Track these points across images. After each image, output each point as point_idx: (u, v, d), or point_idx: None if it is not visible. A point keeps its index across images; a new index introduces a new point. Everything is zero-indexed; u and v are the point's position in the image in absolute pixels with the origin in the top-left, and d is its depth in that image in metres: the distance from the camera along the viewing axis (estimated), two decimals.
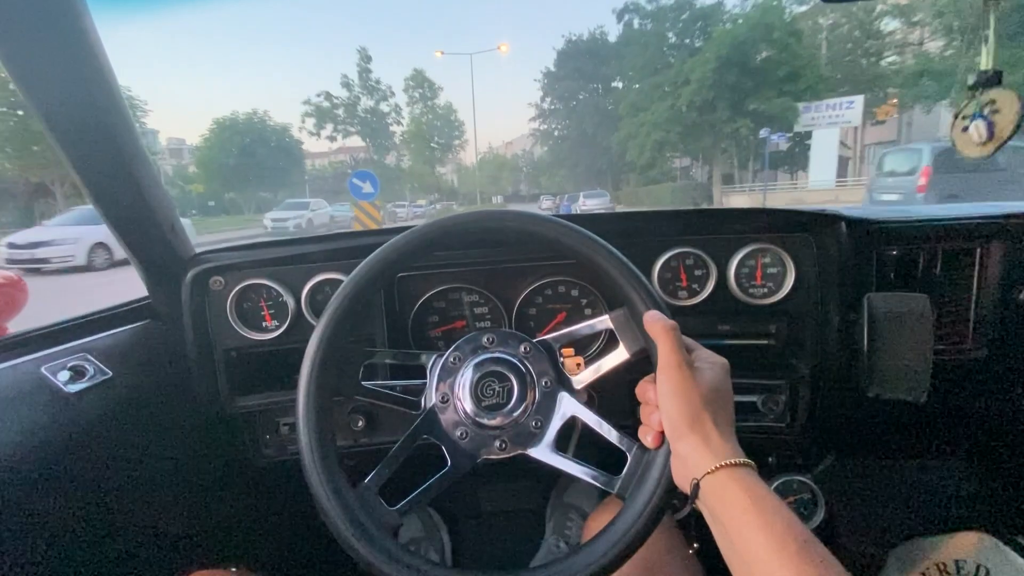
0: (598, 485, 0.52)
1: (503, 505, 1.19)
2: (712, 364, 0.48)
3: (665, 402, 0.45)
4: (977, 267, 0.81)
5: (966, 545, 0.86)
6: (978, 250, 0.80)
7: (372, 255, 0.55)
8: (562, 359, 0.57)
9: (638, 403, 0.51)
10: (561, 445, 0.55)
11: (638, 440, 0.51)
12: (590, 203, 19.02)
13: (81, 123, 0.64)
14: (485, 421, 0.54)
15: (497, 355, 0.57)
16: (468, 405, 0.55)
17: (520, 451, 0.54)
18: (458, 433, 0.55)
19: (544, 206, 25.66)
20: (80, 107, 0.63)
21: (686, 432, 0.44)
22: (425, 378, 0.58)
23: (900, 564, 0.88)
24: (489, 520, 1.19)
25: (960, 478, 0.91)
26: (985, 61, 0.65)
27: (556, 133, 32.83)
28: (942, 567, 0.87)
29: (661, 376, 0.46)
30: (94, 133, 0.65)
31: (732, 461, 0.42)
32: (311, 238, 0.82)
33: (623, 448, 0.52)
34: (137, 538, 0.69)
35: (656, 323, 0.48)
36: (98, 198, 0.69)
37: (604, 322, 0.55)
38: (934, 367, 0.70)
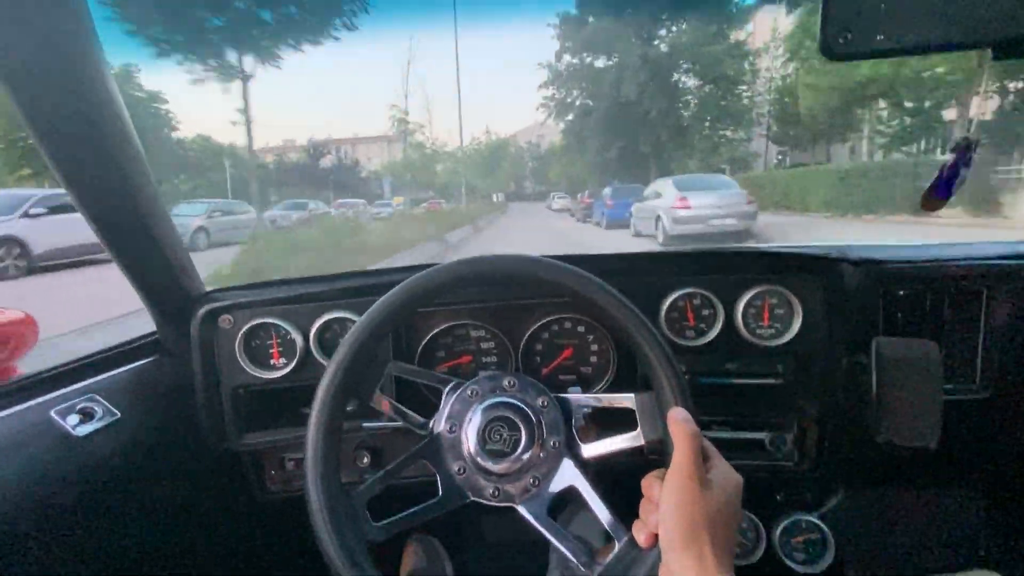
0: (577, 564, 0.51)
1: (507, 535, 1.18)
2: (725, 482, 0.45)
3: (667, 509, 0.43)
4: (984, 308, 0.81)
5: None
6: (984, 292, 0.80)
7: (389, 295, 0.56)
8: (577, 424, 0.57)
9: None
10: (553, 508, 0.54)
11: (630, 532, 0.49)
12: (703, 201, 8.14)
13: (94, 164, 0.64)
14: (484, 464, 0.54)
15: (514, 402, 0.56)
16: (472, 444, 0.55)
17: (510, 504, 0.54)
18: (456, 468, 0.55)
19: (557, 206, 20.99)
20: (94, 148, 0.63)
21: (680, 547, 0.42)
22: (429, 419, 0.58)
23: None
24: (493, 550, 1.18)
25: (969, 516, 0.90)
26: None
27: (578, 102, 21.74)
28: None
29: (669, 481, 0.44)
30: (107, 175, 0.65)
31: None
32: (320, 277, 0.82)
33: (612, 534, 0.51)
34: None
35: (680, 425, 0.47)
36: (108, 237, 0.69)
37: (628, 400, 0.55)
38: (944, 407, 0.69)
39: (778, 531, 0.89)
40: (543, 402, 0.56)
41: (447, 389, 0.59)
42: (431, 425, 0.58)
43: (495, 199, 33.46)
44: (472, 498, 0.55)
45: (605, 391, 0.82)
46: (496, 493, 0.54)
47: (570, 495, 0.56)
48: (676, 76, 19.13)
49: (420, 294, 0.56)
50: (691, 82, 19.49)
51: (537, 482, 0.54)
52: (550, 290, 0.56)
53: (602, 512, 0.52)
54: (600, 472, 0.55)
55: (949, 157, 0.68)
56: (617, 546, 0.50)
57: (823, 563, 0.88)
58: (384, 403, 0.59)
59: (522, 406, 0.56)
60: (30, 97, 0.57)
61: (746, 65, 19.01)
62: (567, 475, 0.54)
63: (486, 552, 1.19)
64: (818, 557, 0.88)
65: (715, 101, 18.85)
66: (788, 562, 0.88)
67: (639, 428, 0.53)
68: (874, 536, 0.90)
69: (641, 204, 9.36)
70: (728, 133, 19.48)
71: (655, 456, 0.52)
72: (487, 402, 0.56)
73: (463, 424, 0.56)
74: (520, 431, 0.54)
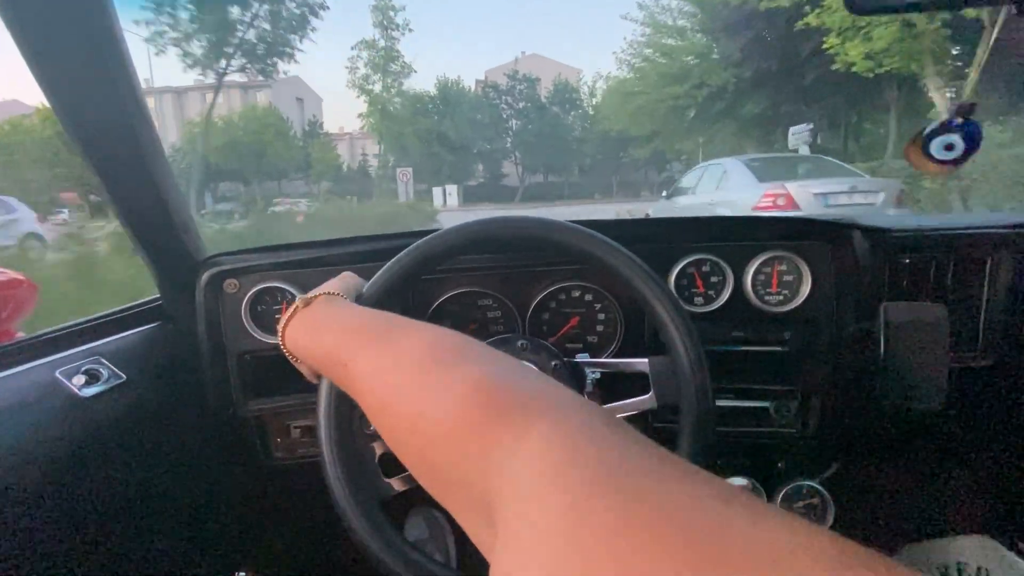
0: (643, 409, 0.54)
1: None
2: None
3: None
4: (987, 276, 0.82)
5: (968, 548, 0.88)
6: (988, 259, 0.81)
7: (400, 256, 0.55)
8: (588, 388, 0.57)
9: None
10: None
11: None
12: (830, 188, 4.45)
13: (103, 124, 0.64)
14: None
15: (526, 364, 0.56)
16: None
17: None
18: None
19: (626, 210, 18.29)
20: (102, 108, 0.63)
21: None
22: None
23: None
24: None
25: (968, 482, 0.93)
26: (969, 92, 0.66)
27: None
28: (943, 570, 0.89)
29: None
30: (115, 133, 0.65)
31: None
32: (327, 241, 0.81)
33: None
34: (147, 540, 0.69)
35: None
36: (116, 197, 0.69)
37: (642, 365, 0.55)
38: (948, 373, 0.71)
39: (779, 497, 0.90)
40: (555, 364, 0.57)
41: None
42: None
43: (442, 199, 26.40)
44: None
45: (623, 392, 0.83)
46: None
47: None
48: None
49: (430, 257, 0.56)
50: None
51: None
52: (564, 254, 0.55)
53: None
54: None
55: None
56: (650, 365, 0.54)
57: (823, 526, 0.90)
58: None
59: (535, 368, 0.56)
60: (46, 60, 0.58)
61: None
62: None
63: None
64: (819, 521, 0.90)
65: None
66: None
67: (652, 391, 0.54)
68: (871, 501, 0.92)
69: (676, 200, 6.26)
70: None
71: (661, 424, 0.53)
72: None
73: None
74: None
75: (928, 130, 0.73)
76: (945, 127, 0.73)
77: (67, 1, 0.57)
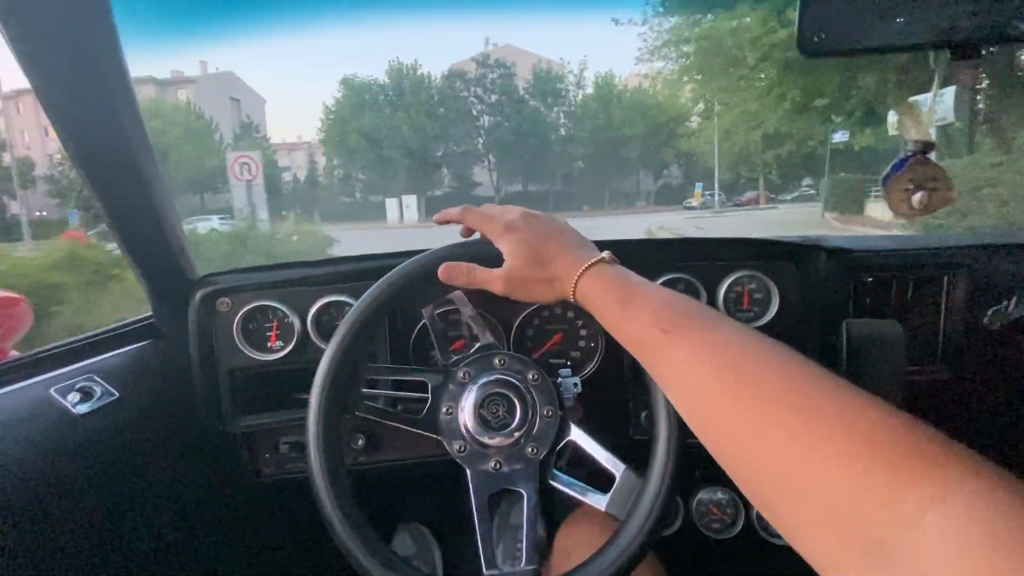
0: (590, 503, 0.68)
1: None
2: (514, 216, 0.69)
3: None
4: (945, 294, 1.07)
5: None
6: (945, 278, 1.06)
7: (385, 278, 0.71)
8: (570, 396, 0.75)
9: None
10: (548, 467, 0.71)
11: (626, 464, 0.68)
12: None
13: (102, 144, 0.81)
14: (484, 440, 0.70)
15: (505, 378, 0.73)
16: (470, 422, 0.71)
17: (513, 480, 0.71)
18: (456, 447, 0.72)
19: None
20: (102, 129, 0.80)
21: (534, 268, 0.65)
22: (427, 394, 0.74)
23: None
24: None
25: None
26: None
27: None
28: None
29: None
30: (114, 154, 0.82)
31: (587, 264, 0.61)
32: (318, 261, 1.02)
33: (612, 469, 0.68)
34: (137, 556, 0.85)
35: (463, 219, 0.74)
36: (113, 217, 0.88)
37: (615, 468, 0.70)
38: (907, 386, 0.91)
39: (694, 502, 1.19)
40: (534, 375, 0.73)
41: (441, 379, 0.75)
42: (451, 361, 0.77)
43: (397, 213, 29.55)
44: (441, 438, 0.72)
45: (592, 373, 1.04)
46: (461, 450, 0.71)
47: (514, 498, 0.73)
48: None
49: (416, 277, 0.72)
50: None
51: (498, 468, 0.71)
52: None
53: (600, 452, 0.70)
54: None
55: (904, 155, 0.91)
56: (618, 478, 0.68)
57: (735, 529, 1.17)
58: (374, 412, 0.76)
59: (514, 381, 0.73)
60: (45, 76, 0.73)
61: None
62: (524, 482, 0.71)
63: (473, 536, 1.40)
64: (731, 525, 1.18)
65: None
66: (704, 531, 1.19)
67: (610, 495, 0.68)
68: None
69: None
70: None
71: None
72: (480, 381, 0.73)
73: (459, 405, 0.72)
74: (515, 404, 0.71)
75: (891, 168, 0.93)
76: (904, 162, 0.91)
77: (70, 24, 0.72)
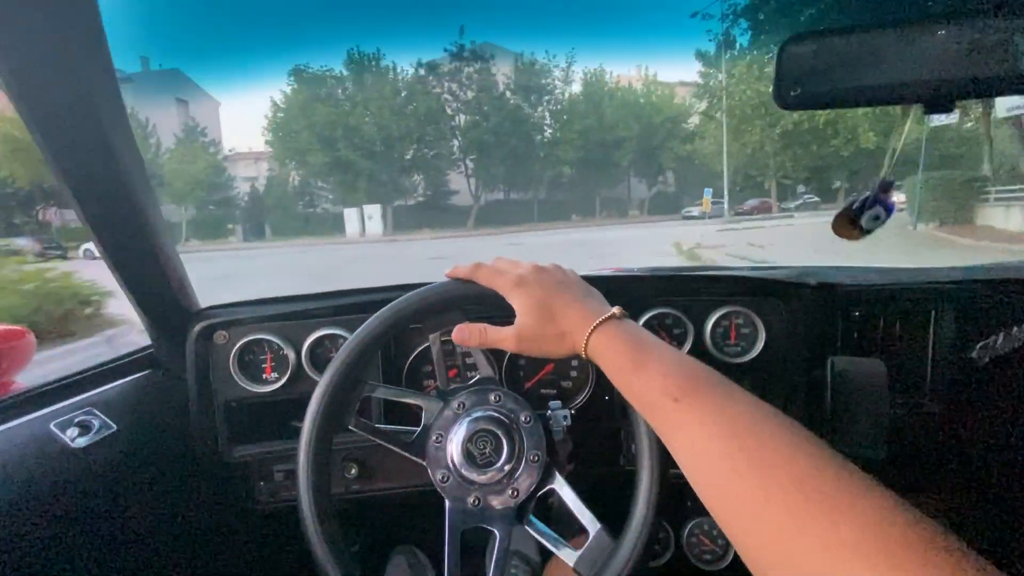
0: (560, 556, 0.76)
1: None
2: (531, 272, 0.77)
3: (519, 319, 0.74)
4: (932, 328, 1.20)
5: None
6: (933, 312, 1.20)
7: (378, 314, 0.81)
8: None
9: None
10: (526, 511, 0.80)
11: (601, 524, 0.75)
12: None
13: (100, 180, 0.92)
14: (467, 473, 0.78)
15: (499, 416, 0.81)
16: (457, 455, 0.79)
17: (489, 519, 0.79)
18: (439, 476, 0.80)
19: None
20: (100, 165, 0.90)
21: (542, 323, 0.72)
22: (417, 424, 0.84)
23: None
24: (477, 557, 1.53)
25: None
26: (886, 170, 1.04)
27: None
28: None
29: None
30: (112, 191, 0.94)
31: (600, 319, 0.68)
32: (313, 295, 1.19)
33: (588, 526, 0.76)
34: None
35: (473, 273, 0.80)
36: (112, 253, 1.01)
37: (591, 524, 0.77)
38: (895, 421, 1.04)
39: (685, 532, 1.34)
40: (526, 418, 0.81)
41: (437, 407, 0.84)
42: (449, 389, 0.86)
43: (358, 226, 29.69)
44: (425, 463, 0.80)
45: (583, 403, 1.19)
46: (444, 480, 0.79)
47: (485, 535, 0.81)
48: None
49: (409, 315, 0.81)
50: None
51: (517, 493, 0.78)
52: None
53: (578, 506, 0.77)
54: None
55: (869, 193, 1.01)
56: (591, 536, 0.75)
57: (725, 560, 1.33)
58: (437, 343, 0.89)
59: (507, 420, 0.81)
60: (39, 110, 0.82)
61: None
62: (497, 523, 0.79)
63: (469, 560, 1.53)
64: (720, 558, 1.34)
65: None
66: (695, 562, 1.35)
67: (581, 553, 0.75)
68: None
69: None
70: None
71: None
72: (474, 415, 0.81)
73: (448, 434, 0.81)
74: (503, 444, 0.79)
75: (856, 206, 1.02)
76: (872, 202, 1.01)
77: (65, 60, 0.81)
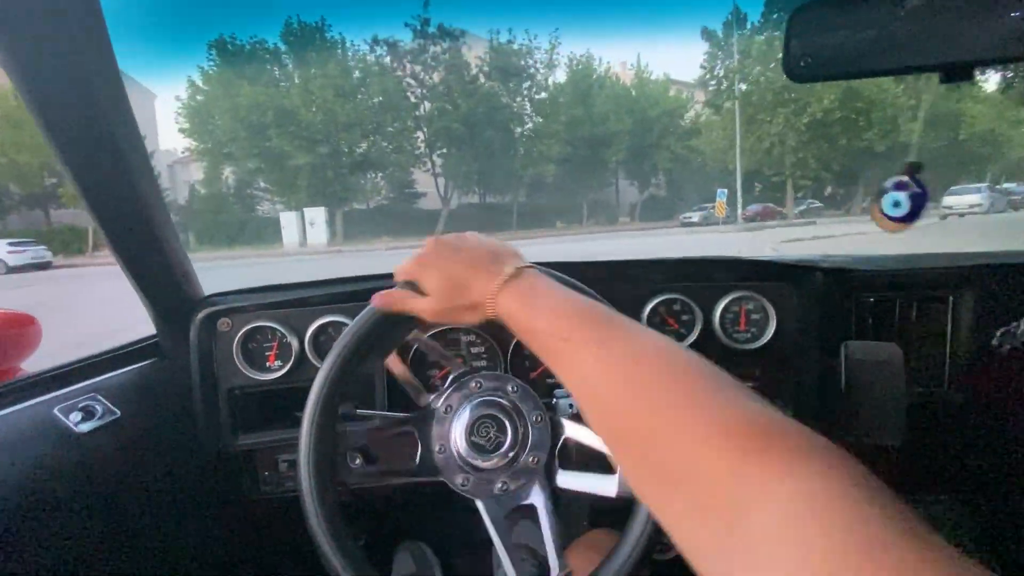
0: (602, 492, 0.84)
1: None
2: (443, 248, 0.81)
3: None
4: (951, 314, 1.32)
5: None
6: (951, 297, 1.32)
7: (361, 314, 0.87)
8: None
9: None
10: (554, 467, 0.88)
11: (568, 568, 0.82)
12: None
13: (104, 170, 1.05)
14: (464, 454, 0.86)
15: (487, 398, 0.89)
16: (460, 431, 0.86)
17: (473, 497, 0.86)
18: (437, 446, 0.87)
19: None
20: (104, 154, 1.03)
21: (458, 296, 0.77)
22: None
23: None
24: (482, 551, 1.57)
25: (938, 518, 1.46)
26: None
27: None
28: None
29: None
30: (116, 180, 1.07)
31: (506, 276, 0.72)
32: (316, 282, 1.35)
33: (550, 562, 0.83)
34: (139, 574, 1.09)
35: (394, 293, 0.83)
36: (116, 243, 1.15)
37: (610, 484, 0.86)
38: (914, 409, 1.13)
39: None
40: (537, 418, 0.88)
41: (455, 373, 0.94)
42: (429, 401, 0.94)
43: (297, 233, 27.68)
44: (442, 478, 0.86)
45: None
46: (465, 483, 0.85)
47: (528, 512, 0.87)
48: None
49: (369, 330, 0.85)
50: None
51: (506, 488, 0.85)
52: None
53: (548, 539, 0.84)
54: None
55: (897, 179, 1.14)
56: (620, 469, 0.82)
57: None
58: (397, 364, 0.98)
59: (496, 399, 0.89)
60: (46, 103, 0.94)
61: None
62: (534, 493, 0.85)
63: (475, 553, 1.58)
64: None
65: None
66: None
67: (619, 475, 0.83)
68: None
69: None
70: None
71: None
72: (487, 398, 0.89)
73: (457, 409, 0.89)
74: (507, 436, 0.86)
75: (880, 188, 1.17)
76: (895, 186, 1.15)
77: (69, 52, 0.92)
